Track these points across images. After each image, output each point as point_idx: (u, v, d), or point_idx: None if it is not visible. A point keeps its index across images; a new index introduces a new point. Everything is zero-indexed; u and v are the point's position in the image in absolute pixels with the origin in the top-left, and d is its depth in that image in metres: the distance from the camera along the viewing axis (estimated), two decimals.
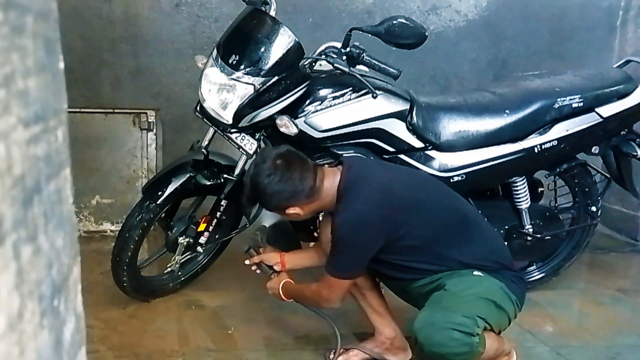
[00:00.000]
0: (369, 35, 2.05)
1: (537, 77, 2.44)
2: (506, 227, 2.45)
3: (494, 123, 2.27)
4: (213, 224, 2.32)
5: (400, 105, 2.19)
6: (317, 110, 2.11)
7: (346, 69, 2.02)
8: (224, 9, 3.41)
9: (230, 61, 2.03)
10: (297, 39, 2.03)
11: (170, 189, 2.19)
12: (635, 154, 2.42)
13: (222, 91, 2.04)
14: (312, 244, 2.18)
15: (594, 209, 2.57)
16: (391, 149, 2.21)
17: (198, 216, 2.35)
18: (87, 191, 3.14)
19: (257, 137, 2.15)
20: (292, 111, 2.10)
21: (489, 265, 1.78)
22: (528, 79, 2.44)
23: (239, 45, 2.05)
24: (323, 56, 2.09)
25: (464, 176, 2.26)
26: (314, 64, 2.12)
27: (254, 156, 2.10)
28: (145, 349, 2.04)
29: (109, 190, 3.19)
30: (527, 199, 2.44)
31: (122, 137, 3.18)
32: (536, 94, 2.31)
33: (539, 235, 2.47)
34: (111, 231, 3.15)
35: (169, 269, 2.43)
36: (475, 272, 1.75)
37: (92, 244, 3.02)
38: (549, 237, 2.51)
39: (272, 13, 2.13)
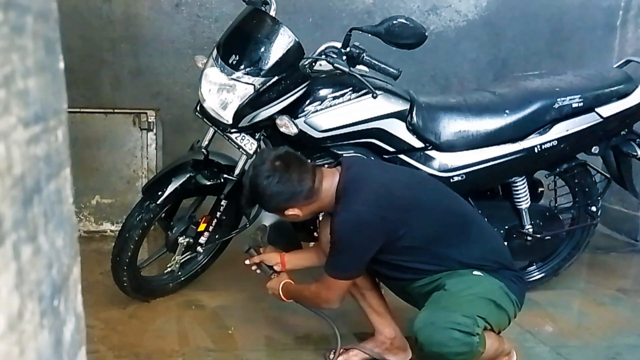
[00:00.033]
0: (369, 35, 2.05)
1: (537, 77, 2.44)
2: (506, 227, 2.45)
3: (494, 123, 2.27)
4: (213, 224, 2.32)
5: (400, 105, 2.19)
6: (317, 110, 2.11)
7: (346, 69, 2.02)
8: (224, 9, 3.41)
9: (230, 61, 2.03)
10: (297, 39, 2.03)
11: (170, 189, 2.19)
12: (635, 154, 2.42)
13: (222, 91, 2.04)
14: (312, 244, 2.18)
15: (594, 209, 2.57)
16: (391, 149, 2.21)
17: (198, 216, 2.35)
18: (87, 191, 3.14)
19: (257, 137, 2.15)
20: (292, 111, 2.10)
21: (489, 265, 1.78)
22: (528, 79, 2.44)
23: (239, 45, 2.05)
24: (323, 56, 2.09)
25: (464, 176, 2.26)
26: (314, 64, 2.12)
27: (254, 156, 2.10)
28: (145, 349, 2.04)
29: (109, 190, 3.19)
30: (527, 199, 2.44)
31: (122, 137, 3.18)
32: (536, 94, 2.31)
33: (539, 235, 2.47)
34: (111, 231, 3.15)
35: (169, 269, 2.43)
36: (475, 272, 1.75)
37: (92, 244, 3.02)
38: (549, 237, 2.51)
39: (272, 13, 2.13)
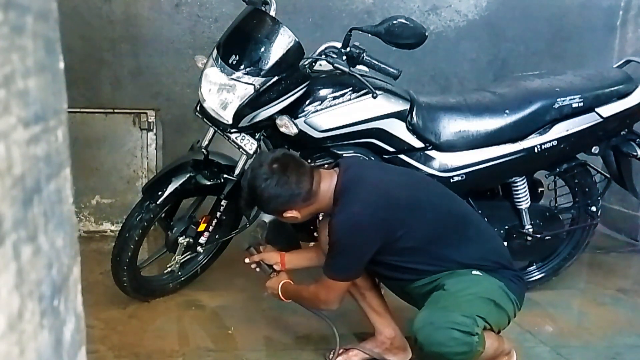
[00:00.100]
0: (369, 35, 2.05)
1: (537, 77, 2.44)
2: (506, 227, 2.45)
3: (494, 123, 2.27)
4: (213, 224, 2.32)
5: (400, 105, 2.19)
6: (317, 110, 2.11)
7: (346, 69, 2.02)
8: (224, 9, 3.41)
9: (230, 61, 2.03)
10: (297, 39, 2.03)
11: (170, 189, 2.19)
12: (635, 154, 2.42)
13: (222, 91, 2.04)
14: (312, 244, 2.18)
15: (594, 209, 2.57)
16: (391, 149, 2.21)
17: (198, 216, 2.35)
18: (87, 191, 3.14)
19: (257, 137, 2.15)
20: (292, 111, 2.10)
21: (488, 265, 1.77)
22: (528, 79, 2.44)
23: (239, 45, 2.05)
24: (323, 56, 2.09)
25: (464, 176, 2.26)
26: (314, 64, 2.12)
27: (254, 156, 2.10)
28: (145, 349, 2.04)
29: (109, 190, 3.19)
30: (527, 199, 2.44)
31: (122, 137, 3.18)
32: (536, 94, 2.31)
33: (539, 235, 2.47)
34: (111, 231, 3.15)
35: (169, 269, 2.43)
36: (474, 272, 1.75)
37: (92, 244, 3.02)
38: (549, 237, 2.51)
39: (272, 13, 2.13)
